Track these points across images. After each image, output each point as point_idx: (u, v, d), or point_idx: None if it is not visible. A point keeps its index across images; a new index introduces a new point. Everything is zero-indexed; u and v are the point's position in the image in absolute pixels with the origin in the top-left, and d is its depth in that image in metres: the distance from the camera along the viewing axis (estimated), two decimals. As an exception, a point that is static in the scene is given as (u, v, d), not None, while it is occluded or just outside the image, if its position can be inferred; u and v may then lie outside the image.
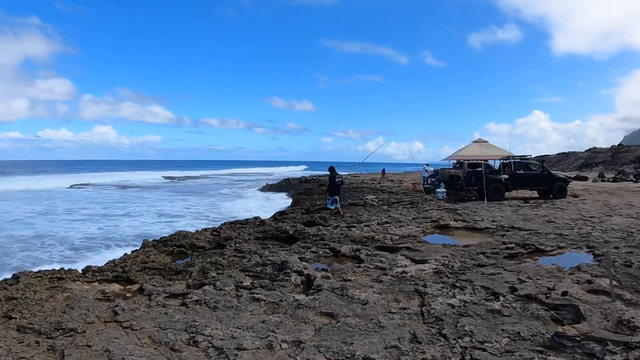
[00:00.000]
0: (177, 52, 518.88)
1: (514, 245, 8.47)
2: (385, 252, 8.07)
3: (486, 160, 23.70)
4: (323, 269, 6.91)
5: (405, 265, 6.94)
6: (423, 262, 7.07)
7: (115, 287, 7.04)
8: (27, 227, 19.17)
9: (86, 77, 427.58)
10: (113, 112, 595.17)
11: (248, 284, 6.36)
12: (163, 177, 65.80)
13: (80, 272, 8.66)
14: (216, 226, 13.65)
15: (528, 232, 10.90)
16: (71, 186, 45.74)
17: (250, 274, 6.99)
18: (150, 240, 11.48)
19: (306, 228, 10.93)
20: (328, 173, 15.51)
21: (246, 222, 13.92)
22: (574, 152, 69.30)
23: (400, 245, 8.50)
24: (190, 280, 7.19)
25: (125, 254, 9.78)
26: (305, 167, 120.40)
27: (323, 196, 21.94)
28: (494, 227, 12.09)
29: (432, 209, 15.22)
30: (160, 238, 11.54)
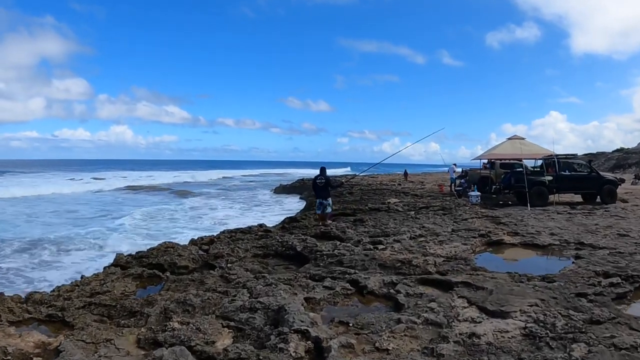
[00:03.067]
0: (192, 52, 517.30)
1: (619, 279, 5.80)
2: (434, 290, 5.44)
3: (520, 160, 21.06)
4: (341, 322, 4.38)
5: (472, 319, 4.32)
6: (501, 314, 4.43)
7: (32, 339, 4.70)
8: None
9: (102, 77, 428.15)
10: (129, 112, 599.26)
11: (220, 348, 3.94)
12: (222, 176, 66.68)
13: (24, 298, 6.56)
14: (213, 234, 11.46)
15: (607, 251, 8.33)
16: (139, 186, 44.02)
17: (231, 324, 4.58)
18: (125, 254, 9.24)
19: (319, 243, 8.46)
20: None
21: (248, 230, 11.62)
22: (603, 153, 65.71)
23: (452, 278, 5.85)
24: (144, 329, 4.83)
25: (82, 277, 7.48)
26: (347, 168, 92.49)
27: (340, 199, 19.71)
28: (558, 242, 9.55)
29: (471, 217, 12.63)
30: (137, 252, 9.27)
